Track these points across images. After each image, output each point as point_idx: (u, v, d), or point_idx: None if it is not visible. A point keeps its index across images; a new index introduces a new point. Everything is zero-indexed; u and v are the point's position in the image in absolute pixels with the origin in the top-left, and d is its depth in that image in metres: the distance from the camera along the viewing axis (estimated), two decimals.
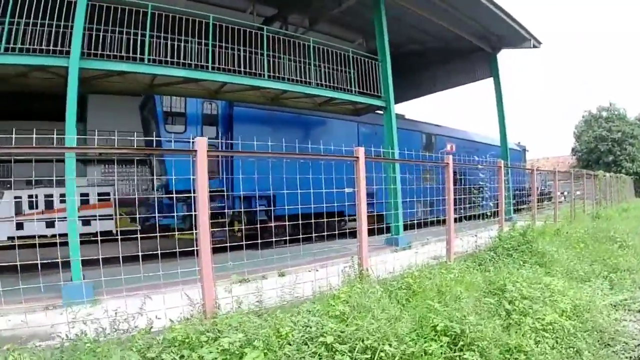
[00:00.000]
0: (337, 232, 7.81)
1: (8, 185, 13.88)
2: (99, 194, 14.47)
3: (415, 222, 7.43)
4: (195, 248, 3.93)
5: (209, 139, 10.32)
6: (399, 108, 21.73)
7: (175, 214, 6.97)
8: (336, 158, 5.54)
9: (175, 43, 7.97)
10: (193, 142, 3.90)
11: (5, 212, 13.29)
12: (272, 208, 9.74)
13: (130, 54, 7.40)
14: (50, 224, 13.09)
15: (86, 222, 13.21)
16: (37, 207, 13.94)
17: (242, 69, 8.47)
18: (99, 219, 12.18)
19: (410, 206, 9.12)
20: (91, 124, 17.61)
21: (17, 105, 14.43)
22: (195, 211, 3.78)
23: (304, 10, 12.76)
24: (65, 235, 5.92)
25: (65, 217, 6.25)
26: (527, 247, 6.97)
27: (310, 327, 3.13)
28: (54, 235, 10.62)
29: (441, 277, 4.95)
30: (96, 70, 7.42)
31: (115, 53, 7.28)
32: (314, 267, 5.86)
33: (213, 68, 8.17)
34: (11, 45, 6.51)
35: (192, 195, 3.82)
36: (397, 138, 12.98)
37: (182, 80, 8.24)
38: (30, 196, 13.98)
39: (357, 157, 5.20)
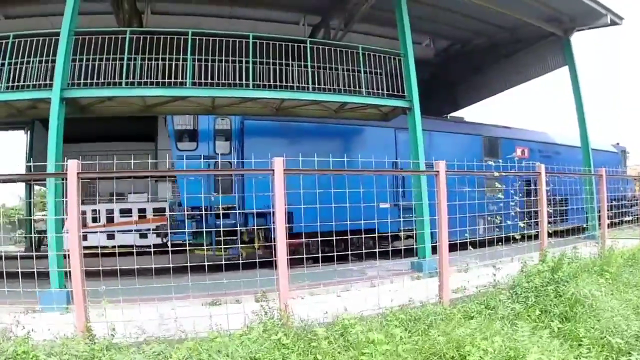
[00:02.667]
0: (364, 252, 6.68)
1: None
2: (154, 209, 15.39)
3: (473, 240, 6.30)
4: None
5: (221, 154, 10.45)
6: (469, 110, 19.46)
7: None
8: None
9: (167, 62, 7.89)
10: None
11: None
12: (290, 225, 9.11)
13: (123, 79, 7.58)
14: (110, 236, 14.27)
15: (143, 235, 14.12)
16: (99, 221, 15.36)
17: (231, 82, 8.04)
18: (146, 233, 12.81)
19: (464, 222, 7.43)
20: (161, 144, 19.22)
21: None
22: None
23: (341, 14, 12.04)
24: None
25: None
26: (555, 289, 5.14)
27: None
28: (114, 247, 11.46)
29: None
30: (87, 98, 7.79)
31: (103, 80, 7.65)
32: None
33: (206, 84, 7.96)
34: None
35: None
36: (452, 144, 11.50)
37: (172, 99, 8.14)
38: (93, 211, 15.48)
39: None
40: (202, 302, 5.73)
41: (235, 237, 9.29)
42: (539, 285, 5.15)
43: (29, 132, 16.91)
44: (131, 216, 15.29)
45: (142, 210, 15.11)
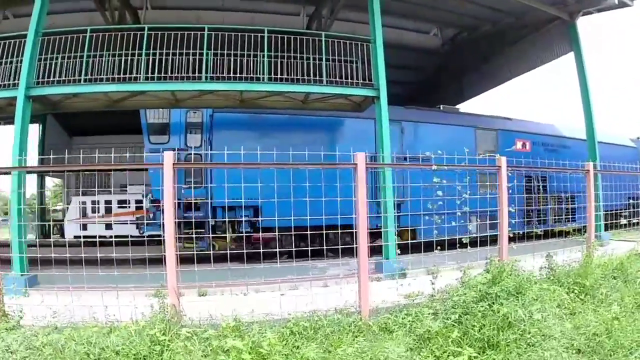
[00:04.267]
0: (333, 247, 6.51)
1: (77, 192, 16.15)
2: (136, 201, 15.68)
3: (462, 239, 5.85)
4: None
5: (195, 147, 10.36)
6: (476, 101, 18.24)
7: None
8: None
9: (123, 58, 7.86)
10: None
11: (72, 215, 15.48)
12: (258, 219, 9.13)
13: (82, 76, 7.68)
14: (108, 226, 14.66)
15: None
16: (98, 212, 15.83)
17: (190, 75, 7.89)
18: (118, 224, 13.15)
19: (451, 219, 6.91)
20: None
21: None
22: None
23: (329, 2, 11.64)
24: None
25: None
26: (489, 306, 4.50)
27: None
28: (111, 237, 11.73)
29: None
30: (54, 95, 7.95)
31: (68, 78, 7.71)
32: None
33: (164, 78, 7.87)
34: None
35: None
36: (440, 136, 10.83)
37: (132, 94, 8.10)
38: (93, 202, 15.95)
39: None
40: (147, 293, 5.78)
41: (202, 230, 9.22)
42: (470, 300, 4.60)
43: (40, 125, 17.58)
44: (129, 207, 15.69)
45: (139, 202, 15.40)
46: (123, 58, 7.72)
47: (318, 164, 5.11)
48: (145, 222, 9.90)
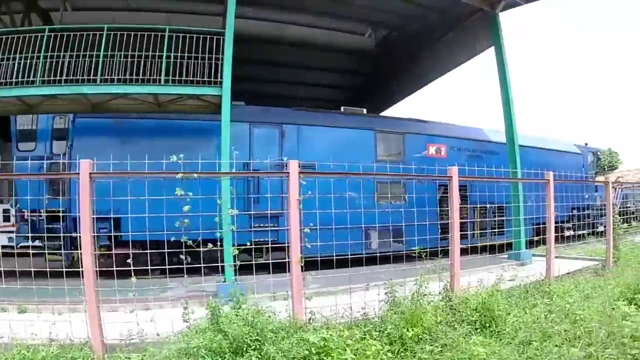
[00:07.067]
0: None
1: None
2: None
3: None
4: None
5: (62, 155, 9.80)
6: (404, 104, 16.84)
7: None
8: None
9: None
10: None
11: None
12: (115, 233, 8.34)
13: None
14: None
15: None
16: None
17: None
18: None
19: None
20: None
21: None
22: None
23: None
24: None
25: None
26: None
27: None
28: None
29: None
30: None
31: None
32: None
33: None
34: None
35: None
36: (332, 141, 9.89)
37: None
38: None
39: None
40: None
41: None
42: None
43: None
44: None
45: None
46: None
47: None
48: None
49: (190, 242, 4.49)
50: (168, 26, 7.86)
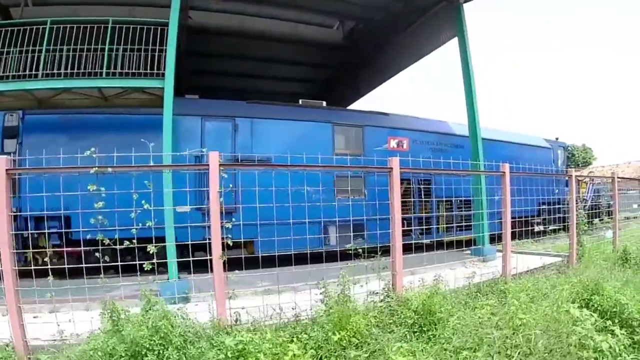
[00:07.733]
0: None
1: None
2: None
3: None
4: None
5: (13, 153, 9.54)
6: (370, 97, 16.72)
7: None
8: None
9: None
10: None
11: None
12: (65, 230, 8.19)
13: None
14: None
15: None
16: None
17: None
18: None
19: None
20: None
21: None
22: None
23: None
24: None
25: None
26: None
27: None
28: None
29: None
30: None
31: None
32: None
33: None
34: None
35: None
36: (286, 134, 9.66)
37: None
38: None
39: None
40: None
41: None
42: None
43: None
44: None
45: None
46: None
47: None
48: None
49: (108, 240, 4.37)
50: (111, 17, 7.57)
